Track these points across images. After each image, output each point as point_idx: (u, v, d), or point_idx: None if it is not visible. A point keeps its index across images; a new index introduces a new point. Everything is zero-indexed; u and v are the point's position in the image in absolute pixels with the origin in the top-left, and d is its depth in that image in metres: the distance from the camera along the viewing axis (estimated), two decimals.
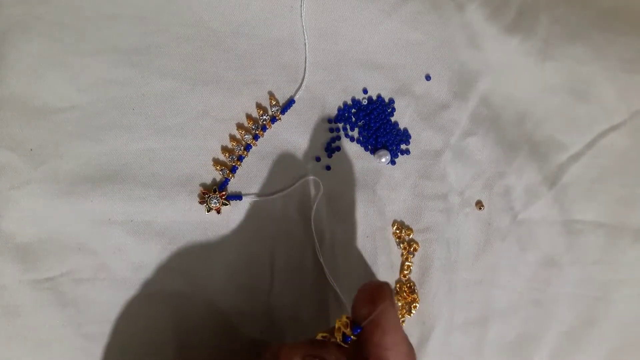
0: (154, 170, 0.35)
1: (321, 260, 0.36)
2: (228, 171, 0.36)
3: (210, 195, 0.35)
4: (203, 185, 0.35)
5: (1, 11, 0.33)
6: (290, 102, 0.37)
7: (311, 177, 0.37)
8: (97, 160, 0.34)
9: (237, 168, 0.36)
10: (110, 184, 0.34)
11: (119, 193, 0.34)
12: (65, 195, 0.33)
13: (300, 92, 0.37)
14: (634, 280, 0.43)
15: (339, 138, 0.38)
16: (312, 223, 0.37)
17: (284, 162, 0.37)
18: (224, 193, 0.35)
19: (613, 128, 0.43)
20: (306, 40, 0.38)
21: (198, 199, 0.35)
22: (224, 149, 0.36)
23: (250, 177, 0.36)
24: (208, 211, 0.35)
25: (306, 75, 0.38)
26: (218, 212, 0.35)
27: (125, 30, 0.35)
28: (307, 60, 0.38)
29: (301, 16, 0.38)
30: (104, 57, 0.34)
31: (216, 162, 0.36)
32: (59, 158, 0.33)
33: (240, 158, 0.36)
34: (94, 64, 0.34)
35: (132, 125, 0.34)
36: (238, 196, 0.35)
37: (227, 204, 0.35)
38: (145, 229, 0.34)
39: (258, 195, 0.36)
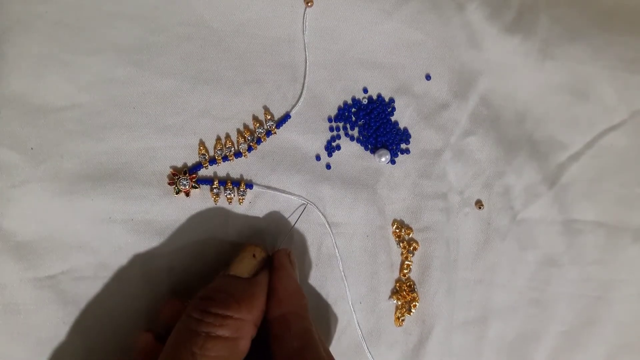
0: (154, 168, 0.35)
1: (337, 252, 0.37)
2: (205, 160, 0.35)
3: (179, 177, 0.34)
4: (173, 167, 0.35)
5: (2, 9, 0.33)
6: (285, 117, 0.37)
7: (308, 204, 0.37)
8: (98, 159, 0.34)
9: (216, 162, 0.36)
10: (111, 182, 0.34)
11: (119, 192, 0.34)
12: (66, 194, 0.33)
13: (297, 107, 0.37)
14: (633, 280, 0.43)
15: (339, 137, 0.39)
16: (324, 219, 0.37)
17: (284, 161, 0.37)
18: (194, 176, 0.35)
19: (613, 128, 0.43)
20: (306, 40, 0.38)
21: (167, 180, 0.35)
22: (219, 142, 0.36)
23: (249, 175, 0.36)
24: (177, 193, 0.34)
25: (306, 75, 0.38)
26: (187, 194, 0.35)
27: (126, 29, 0.35)
28: (307, 59, 0.38)
29: (303, 16, 0.38)
30: (105, 56, 0.34)
31: (202, 147, 0.36)
32: (60, 157, 0.33)
33: (237, 155, 0.36)
34: (95, 62, 0.34)
35: (132, 124, 0.34)
36: (209, 180, 0.35)
37: (196, 187, 0.35)
38: (146, 228, 0.34)
39: (252, 184, 0.36)
